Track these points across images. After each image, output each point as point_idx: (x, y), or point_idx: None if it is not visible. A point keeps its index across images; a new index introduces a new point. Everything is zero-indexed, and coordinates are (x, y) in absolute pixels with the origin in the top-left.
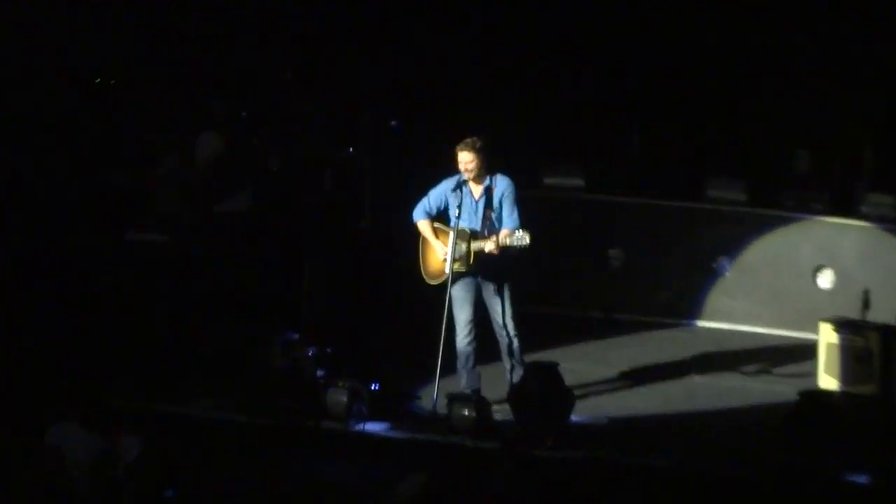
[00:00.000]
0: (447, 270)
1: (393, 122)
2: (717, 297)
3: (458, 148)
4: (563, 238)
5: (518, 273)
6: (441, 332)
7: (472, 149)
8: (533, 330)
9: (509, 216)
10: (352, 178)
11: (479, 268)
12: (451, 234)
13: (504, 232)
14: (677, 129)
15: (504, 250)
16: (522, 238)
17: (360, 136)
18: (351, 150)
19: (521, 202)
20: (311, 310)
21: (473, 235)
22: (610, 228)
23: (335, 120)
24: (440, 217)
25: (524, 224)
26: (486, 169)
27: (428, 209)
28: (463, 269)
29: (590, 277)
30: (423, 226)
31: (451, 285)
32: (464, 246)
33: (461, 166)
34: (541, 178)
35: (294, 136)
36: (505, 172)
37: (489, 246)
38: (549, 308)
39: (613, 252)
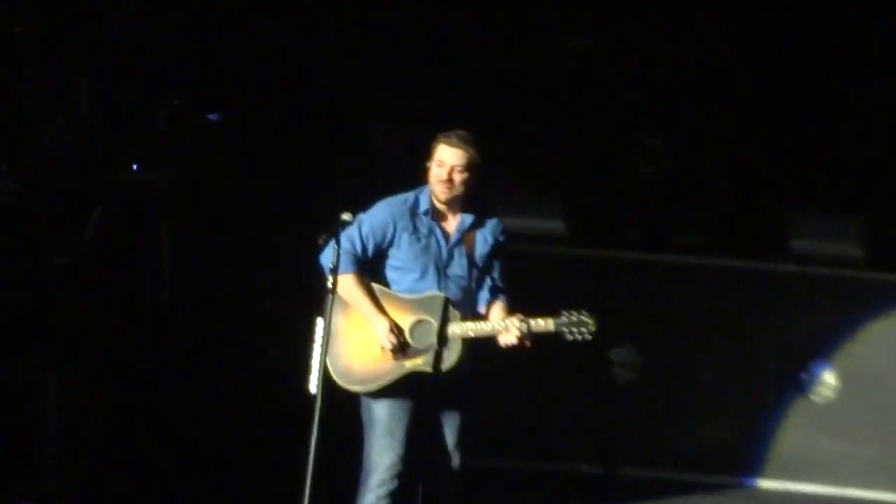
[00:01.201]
0: (403, 366)
1: (211, 116)
2: (804, 436)
3: (443, 141)
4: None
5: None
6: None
7: (469, 147)
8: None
9: (502, 278)
10: (137, 220)
11: (449, 371)
12: (411, 302)
13: (501, 306)
14: (735, 131)
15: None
16: (581, 324)
17: (153, 144)
18: (136, 168)
19: None
20: (58, 466)
21: (461, 310)
22: (611, 310)
23: (107, 117)
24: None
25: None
26: (471, 194)
27: (357, 251)
28: (437, 370)
29: (579, 403)
30: (355, 285)
31: (387, 395)
32: (446, 328)
33: (437, 175)
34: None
35: (32, 151)
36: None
37: (510, 335)
38: (513, 460)
39: (618, 355)
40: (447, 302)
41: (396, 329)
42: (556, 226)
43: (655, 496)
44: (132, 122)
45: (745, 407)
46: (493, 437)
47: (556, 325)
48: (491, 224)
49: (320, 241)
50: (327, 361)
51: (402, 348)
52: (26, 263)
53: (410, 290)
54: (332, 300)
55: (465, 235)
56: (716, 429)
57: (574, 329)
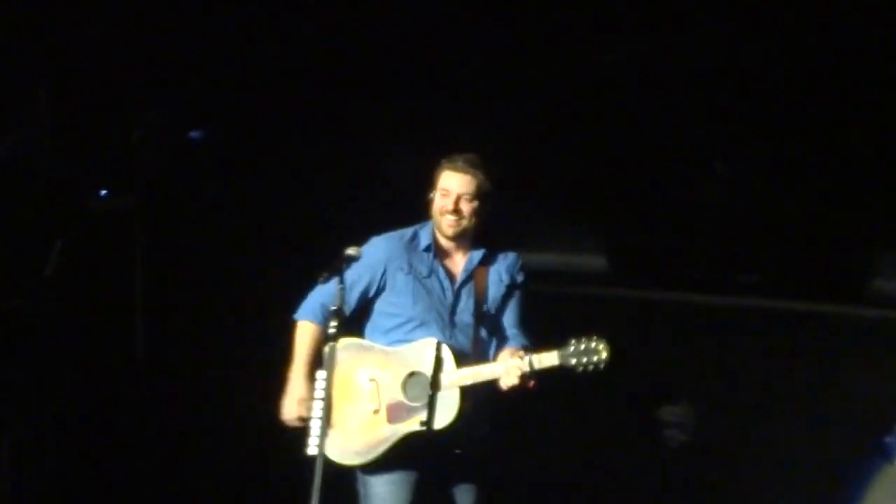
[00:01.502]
0: (398, 428)
1: (193, 133)
2: None
3: (447, 167)
4: (568, 385)
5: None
6: None
7: (477, 171)
8: None
9: (520, 322)
10: (105, 255)
11: (463, 423)
12: (400, 354)
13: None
14: (809, 155)
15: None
16: (590, 350)
17: (125, 165)
18: (103, 194)
19: None
20: None
21: (459, 357)
22: (662, 360)
23: (69, 134)
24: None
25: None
26: (482, 226)
27: (328, 301)
28: (429, 428)
29: (625, 469)
30: (305, 335)
31: (385, 467)
32: (442, 377)
33: (442, 206)
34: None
35: None
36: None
37: (510, 376)
38: None
39: (670, 413)
40: (439, 346)
41: (303, 405)
42: (599, 263)
43: None
44: (99, 139)
45: (819, 476)
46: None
47: (562, 356)
48: (507, 260)
49: (320, 280)
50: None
51: (300, 424)
52: None
53: (408, 342)
54: (332, 351)
55: (475, 275)
56: (784, 501)
57: (584, 359)
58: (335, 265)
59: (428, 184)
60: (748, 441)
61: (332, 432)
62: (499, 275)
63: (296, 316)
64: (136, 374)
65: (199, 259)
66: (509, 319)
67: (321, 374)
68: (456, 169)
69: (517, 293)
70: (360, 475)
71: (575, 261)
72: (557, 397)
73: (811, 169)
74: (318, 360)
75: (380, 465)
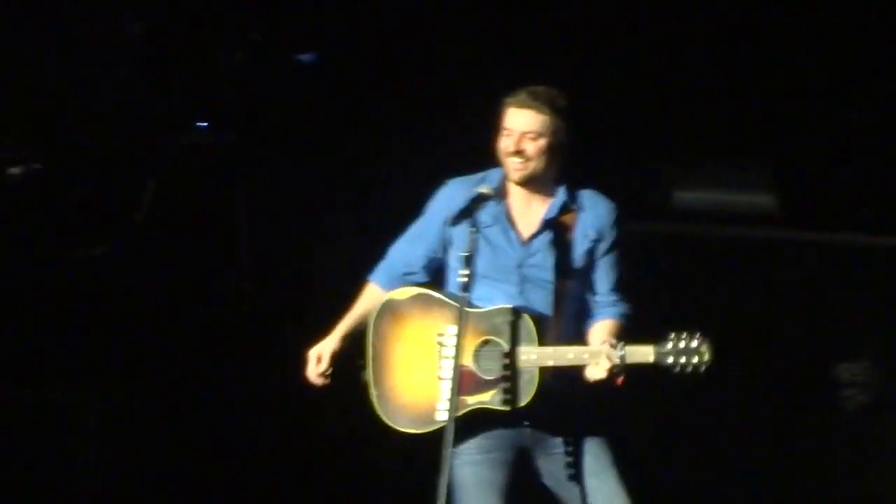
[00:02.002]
0: (443, 418)
1: (304, 56)
2: None
3: (511, 103)
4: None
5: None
6: None
7: (544, 105)
8: None
9: (614, 289)
10: (204, 197)
11: (536, 407)
12: (453, 329)
13: (609, 327)
14: None
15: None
16: (691, 351)
17: (226, 95)
18: (202, 128)
19: None
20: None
21: (542, 328)
22: (844, 312)
23: (163, 61)
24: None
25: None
26: (559, 171)
27: (408, 261)
28: (511, 407)
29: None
30: (366, 295)
31: (469, 447)
32: (521, 353)
33: (504, 147)
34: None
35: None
36: (592, 189)
37: (600, 367)
38: None
39: (853, 372)
40: (517, 317)
41: (328, 358)
42: (766, 201)
43: None
44: (197, 66)
45: None
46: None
47: (658, 354)
48: (596, 211)
49: (448, 224)
50: (373, 396)
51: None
52: (54, 256)
53: (479, 301)
54: (464, 302)
55: (557, 225)
56: None
57: (682, 359)
58: (467, 206)
59: (495, 125)
60: None
61: (394, 395)
62: (585, 228)
63: (368, 276)
64: (240, 328)
65: (312, 197)
66: (602, 282)
67: (451, 330)
68: (519, 104)
69: (611, 252)
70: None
71: (738, 199)
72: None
73: None
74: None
75: (462, 445)
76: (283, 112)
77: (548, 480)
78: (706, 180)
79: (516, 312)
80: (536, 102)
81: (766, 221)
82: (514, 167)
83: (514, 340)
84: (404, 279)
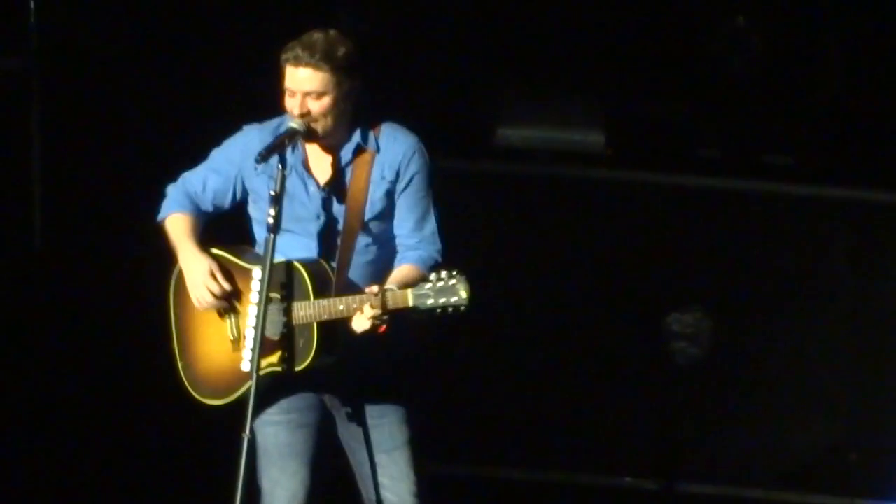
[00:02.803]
0: (247, 368)
1: None
2: None
3: (287, 58)
4: (553, 286)
5: (419, 380)
6: None
7: (324, 61)
8: None
9: (415, 230)
10: None
11: (330, 364)
12: (259, 270)
13: (403, 272)
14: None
15: (398, 320)
16: (448, 290)
17: (17, 20)
18: None
19: (437, 193)
20: None
21: (320, 280)
22: (671, 256)
23: None
24: (227, 223)
25: (445, 253)
26: (352, 114)
27: (197, 196)
28: (290, 369)
29: (626, 392)
30: (178, 224)
31: (260, 409)
32: (295, 308)
33: (289, 107)
34: (497, 130)
35: None
36: (398, 124)
37: (363, 315)
38: (523, 471)
39: (681, 322)
40: (290, 269)
41: (228, 277)
42: (596, 139)
43: None
44: None
45: (866, 400)
46: (502, 441)
47: (416, 297)
48: (395, 147)
49: (257, 160)
50: (179, 367)
51: (225, 295)
52: None
53: (269, 252)
54: (270, 244)
55: (353, 171)
56: (820, 432)
57: (441, 300)
58: (276, 142)
59: (279, 76)
60: (772, 354)
61: (192, 362)
62: (381, 168)
63: (159, 218)
64: (32, 269)
65: (108, 132)
66: (402, 224)
67: (257, 273)
68: (296, 62)
69: (410, 189)
70: (248, 422)
71: (566, 136)
72: (548, 304)
73: (854, 25)
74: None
75: (261, 409)
76: (77, 35)
77: (346, 451)
78: (532, 116)
79: (291, 266)
80: (314, 59)
81: (592, 160)
82: (299, 120)
83: (290, 297)
84: (193, 203)
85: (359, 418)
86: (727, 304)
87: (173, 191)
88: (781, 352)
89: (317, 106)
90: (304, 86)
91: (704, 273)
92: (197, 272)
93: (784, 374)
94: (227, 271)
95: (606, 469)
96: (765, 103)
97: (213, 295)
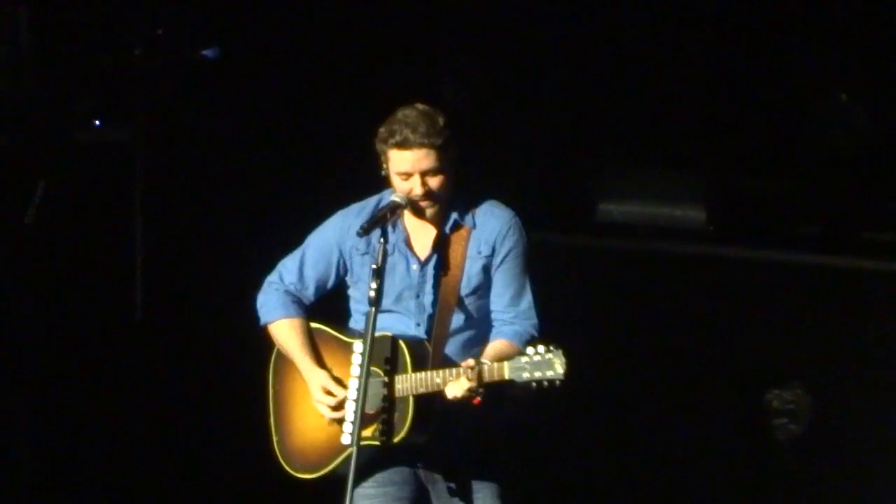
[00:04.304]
0: (347, 441)
1: (207, 51)
2: None
3: (393, 145)
4: (652, 362)
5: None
6: None
7: (432, 137)
8: None
9: (511, 305)
10: (97, 196)
11: (426, 438)
12: (360, 347)
13: (498, 347)
14: None
15: (494, 393)
16: (544, 363)
17: (122, 91)
18: (97, 124)
19: (536, 268)
20: None
21: (419, 354)
22: (772, 334)
23: (55, 53)
24: (329, 307)
25: (541, 328)
26: (452, 189)
27: (297, 289)
28: (387, 441)
29: (727, 467)
30: (287, 331)
31: (356, 483)
32: (392, 383)
33: (408, 191)
34: (598, 205)
35: None
36: (497, 200)
37: (458, 385)
38: None
39: (779, 397)
40: (396, 345)
41: (338, 382)
42: (697, 215)
43: None
44: (91, 60)
45: None
46: None
47: (512, 370)
48: (491, 223)
49: (359, 234)
50: (274, 442)
51: (341, 407)
52: None
53: (369, 330)
54: (371, 319)
55: (448, 245)
56: None
57: (537, 374)
58: (378, 215)
59: (380, 157)
60: (875, 435)
61: (291, 439)
62: (478, 244)
63: (263, 322)
64: (133, 333)
65: (207, 202)
66: (498, 300)
67: (358, 347)
68: (405, 146)
69: (505, 264)
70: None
71: (667, 212)
72: (648, 380)
73: None
74: (312, 344)
75: (359, 485)
76: (180, 108)
77: None
78: (633, 192)
79: (390, 340)
80: (425, 138)
81: (694, 236)
82: (425, 206)
83: (388, 370)
84: (296, 301)
85: (453, 492)
86: (827, 380)
87: (274, 294)
88: (881, 429)
89: (436, 183)
90: (422, 165)
91: (805, 349)
92: (315, 381)
93: (884, 452)
94: (327, 344)
95: None
96: (866, 180)
97: (330, 409)
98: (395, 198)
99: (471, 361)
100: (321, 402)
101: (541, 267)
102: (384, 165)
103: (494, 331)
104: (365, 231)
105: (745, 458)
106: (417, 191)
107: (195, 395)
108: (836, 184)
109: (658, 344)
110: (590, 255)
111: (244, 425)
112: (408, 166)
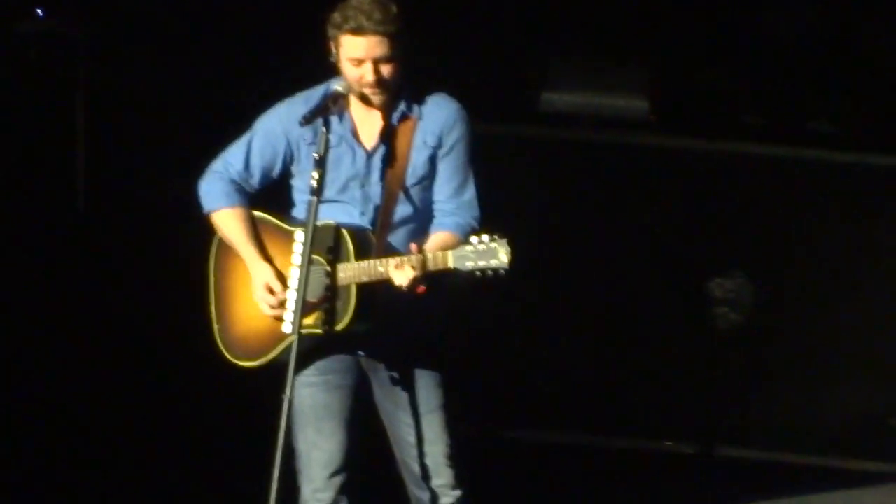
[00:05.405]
0: (288, 330)
1: None
2: None
3: (349, 28)
4: (594, 252)
5: (456, 344)
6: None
7: (387, 25)
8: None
9: (453, 196)
10: (38, 93)
11: (369, 327)
12: (301, 236)
13: (441, 238)
14: None
15: (437, 282)
16: (488, 252)
17: None
18: (39, 14)
19: (479, 159)
20: None
21: (362, 243)
22: (714, 223)
23: None
24: (272, 195)
25: (482, 220)
26: (400, 79)
27: (243, 178)
28: (329, 329)
29: (666, 357)
30: (231, 221)
31: (296, 371)
32: (335, 271)
33: (359, 78)
34: (541, 95)
35: None
36: (440, 91)
37: (402, 274)
38: (561, 435)
39: (723, 288)
40: (339, 234)
41: (280, 278)
42: (640, 105)
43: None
44: None
45: None
46: (540, 405)
47: (456, 258)
48: (438, 114)
49: (301, 123)
50: (215, 331)
51: (282, 305)
52: None
53: (310, 218)
54: (314, 207)
55: (394, 137)
56: (860, 397)
57: (482, 262)
58: (320, 105)
59: (322, 37)
60: (817, 322)
61: (228, 325)
62: (424, 135)
63: (206, 210)
64: (76, 229)
65: (157, 94)
66: (442, 191)
67: (300, 236)
68: (360, 32)
69: (451, 156)
70: (290, 382)
71: (610, 102)
72: (589, 269)
73: None
74: (256, 234)
75: (298, 370)
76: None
77: (381, 414)
78: (576, 82)
79: (332, 229)
80: (379, 25)
81: (636, 126)
82: (373, 94)
83: (331, 259)
84: (241, 190)
85: (394, 381)
86: (769, 269)
87: (218, 182)
88: (822, 317)
89: (387, 71)
90: (375, 52)
91: (746, 239)
92: (259, 276)
93: (825, 340)
94: (269, 233)
95: (646, 433)
96: (809, 69)
97: (275, 304)
98: (338, 87)
99: (414, 247)
100: (262, 300)
101: (484, 158)
102: (334, 51)
103: (436, 221)
104: (307, 121)
105: (687, 347)
106: (369, 78)
107: (135, 285)
108: (779, 73)
109: (600, 234)
110: (533, 145)
111: (187, 314)
112: (361, 53)
